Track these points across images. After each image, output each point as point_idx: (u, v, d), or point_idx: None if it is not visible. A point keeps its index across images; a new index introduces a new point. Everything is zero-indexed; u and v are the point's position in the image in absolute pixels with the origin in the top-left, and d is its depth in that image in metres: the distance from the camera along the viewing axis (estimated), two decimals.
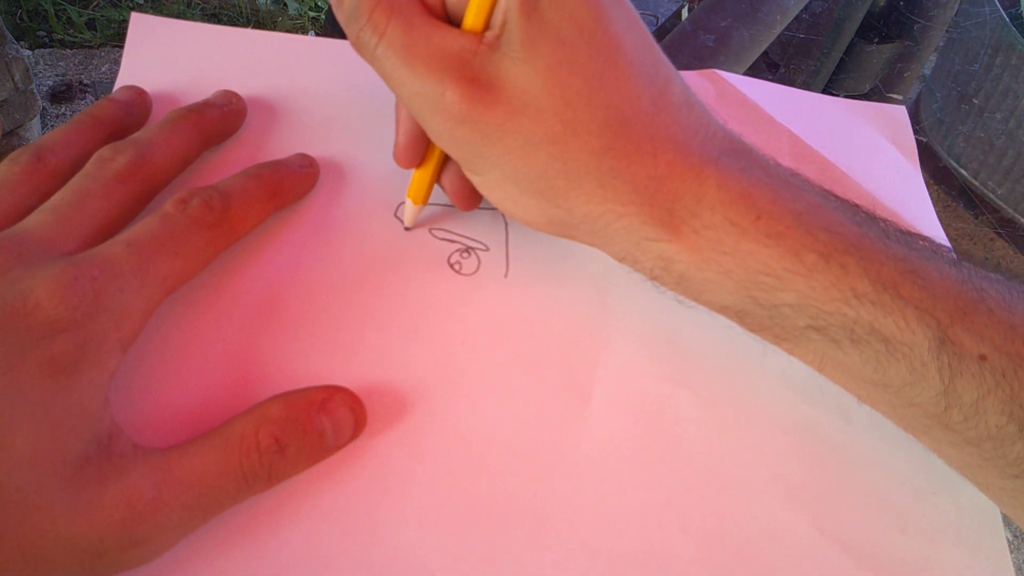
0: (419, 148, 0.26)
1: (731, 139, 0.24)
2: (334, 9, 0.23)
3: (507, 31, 0.22)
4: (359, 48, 0.23)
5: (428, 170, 0.27)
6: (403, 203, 0.29)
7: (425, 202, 0.28)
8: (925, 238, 0.24)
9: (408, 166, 0.27)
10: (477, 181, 0.25)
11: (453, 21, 0.23)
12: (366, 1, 0.22)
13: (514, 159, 0.23)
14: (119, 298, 0.21)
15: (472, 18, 0.22)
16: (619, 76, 0.22)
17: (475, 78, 0.22)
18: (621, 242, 0.24)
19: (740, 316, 0.24)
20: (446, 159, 0.27)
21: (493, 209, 0.30)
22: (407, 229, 0.29)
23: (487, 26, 0.22)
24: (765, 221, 0.22)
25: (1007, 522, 0.25)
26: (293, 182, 0.28)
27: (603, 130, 0.22)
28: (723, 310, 0.24)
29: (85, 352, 0.20)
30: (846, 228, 0.22)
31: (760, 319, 0.23)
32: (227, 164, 0.29)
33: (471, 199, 0.28)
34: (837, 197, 0.24)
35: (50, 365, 0.19)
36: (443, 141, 0.24)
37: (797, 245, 0.22)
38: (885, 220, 0.24)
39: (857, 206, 0.24)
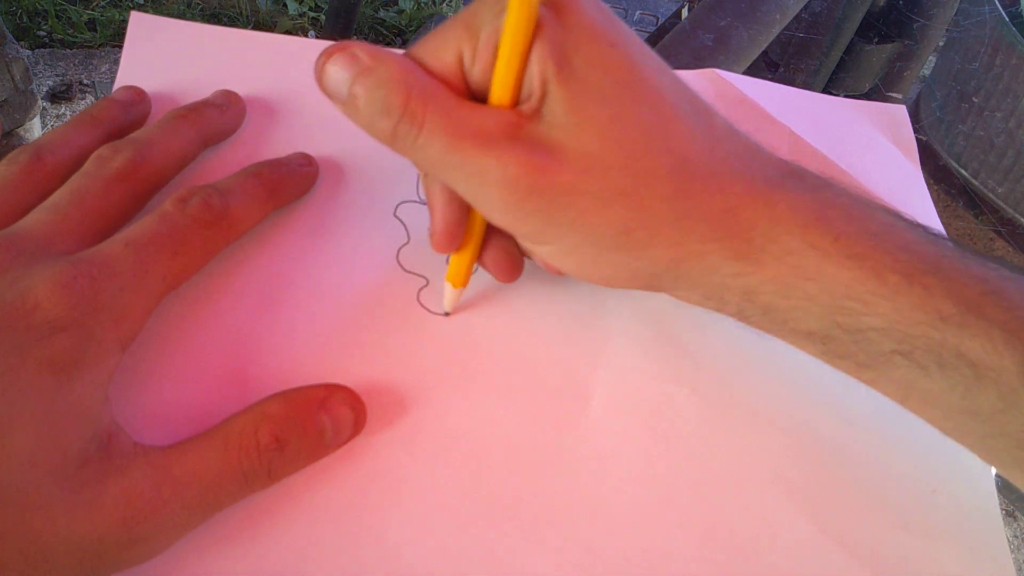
0: (458, 232, 0.25)
1: (783, 161, 0.24)
2: (345, 110, 0.22)
3: (548, 100, 0.21)
4: (395, 142, 0.22)
5: (468, 252, 0.26)
6: (403, 203, 0.29)
7: (466, 285, 0.27)
8: (996, 258, 0.23)
9: (448, 251, 0.25)
10: (546, 252, 0.24)
11: (477, 98, 0.22)
12: (396, 94, 0.21)
13: (589, 219, 0.22)
14: (118, 297, 0.21)
15: (500, 94, 0.21)
16: (668, 120, 0.22)
17: (532, 148, 0.21)
18: (705, 283, 0.23)
19: (824, 342, 0.23)
20: (486, 238, 0.26)
21: None
22: (447, 315, 0.27)
23: (516, 99, 0.22)
24: (844, 242, 0.22)
25: (1007, 521, 0.25)
26: (292, 181, 0.28)
27: (669, 175, 0.22)
28: (809, 337, 0.23)
29: (85, 351, 0.20)
30: (923, 247, 0.22)
31: (845, 345, 0.23)
32: (226, 164, 0.29)
33: (515, 272, 0.27)
34: (900, 214, 0.23)
35: (50, 364, 0.19)
36: (508, 217, 0.22)
37: (879, 266, 0.21)
38: (953, 239, 0.23)
39: (921, 224, 0.23)
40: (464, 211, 0.24)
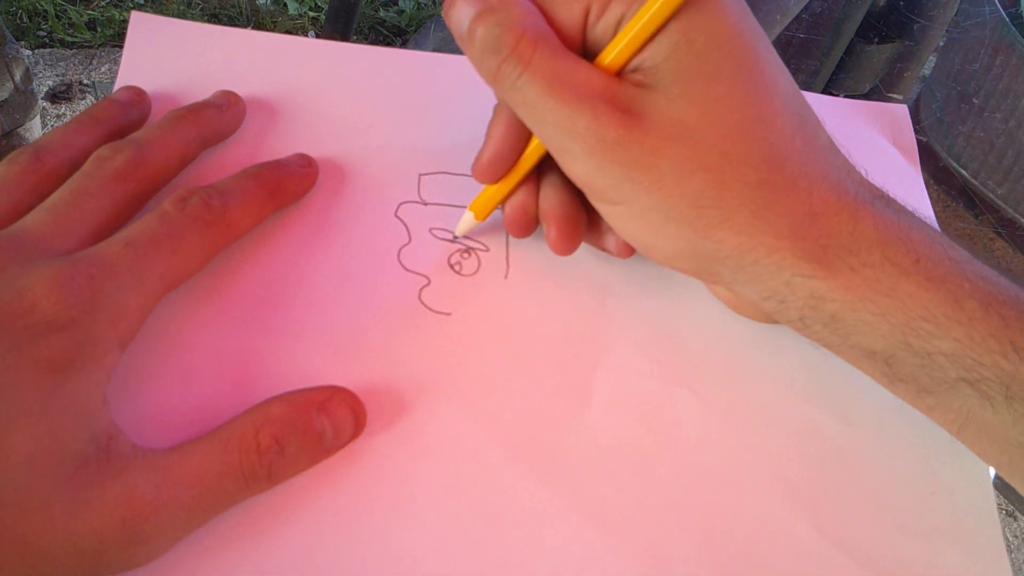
0: (502, 168, 0.26)
1: (876, 187, 0.24)
2: (461, 43, 0.23)
3: (657, 72, 0.22)
4: (497, 79, 0.23)
5: (502, 190, 0.26)
6: (404, 203, 0.29)
7: (484, 219, 0.28)
8: None
9: (485, 181, 0.26)
10: (617, 212, 0.24)
11: (586, 56, 0.23)
12: (510, 33, 0.22)
13: (666, 185, 0.22)
14: (116, 296, 0.21)
15: (614, 57, 0.22)
16: (774, 114, 0.23)
17: (627, 107, 0.22)
18: (769, 279, 0.23)
19: (888, 363, 0.23)
20: (536, 181, 0.26)
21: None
22: (455, 239, 0.29)
23: (625, 66, 0.23)
24: (924, 264, 0.22)
25: (1007, 522, 0.25)
26: (292, 182, 0.28)
27: (760, 164, 0.22)
28: (870, 356, 0.23)
29: (82, 351, 0.20)
30: (1002, 281, 0.22)
31: (910, 367, 0.22)
32: (226, 164, 0.29)
33: (527, 227, 0.27)
34: (975, 257, 0.23)
35: (47, 364, 0.19)
36: (590, 168, 0.23)
37: (957, 291, 0.21)
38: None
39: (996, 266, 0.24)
40: (516, 149, 0.25)
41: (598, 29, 0.23)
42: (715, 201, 0.22)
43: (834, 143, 0.24)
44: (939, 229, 0.32)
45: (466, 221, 0.28)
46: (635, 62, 0.23)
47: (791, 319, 0.24)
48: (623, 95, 0.22)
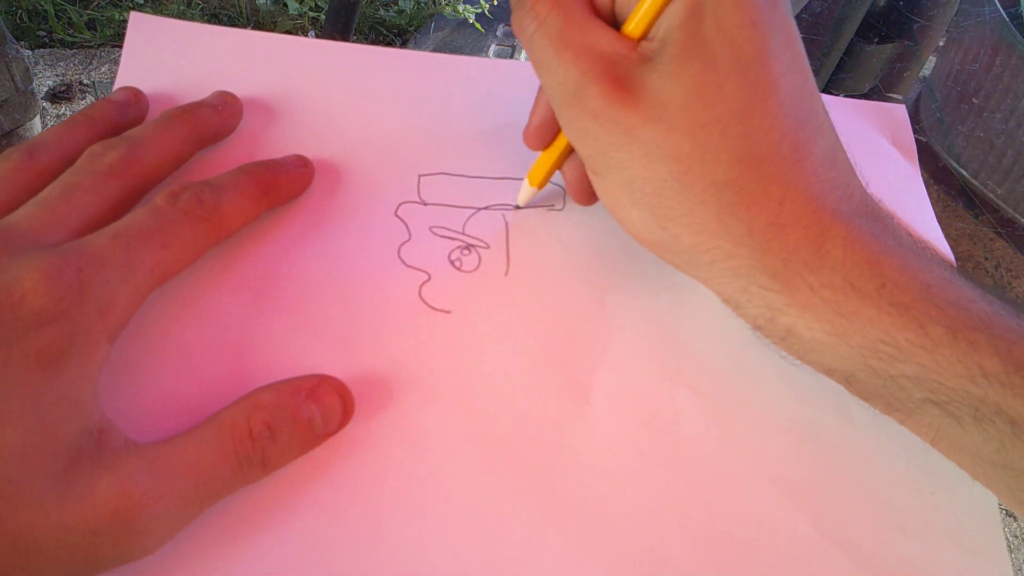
0: (548, 133, 0.27)
1: (869, 202, 0.23)
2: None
3: (663, 44, 0.22)
4: (518, 31, 0.24)
5: (552, 155, 0.27)
6: (404, 203, 0.29)
7: (542, 187, 0.29)
8: None
9: (534, 147, 0.27)
10: (595, 181, 0.25)
11: (616, 24, 0.24)
12: None
13: (635, 167, 0.22)
14: (105, 288, 0.21)
15: (634, 24, 0.23)
16: (765, 114, 0.22)
17: (620, 79, 0.22)
18: (726, 284, 0.23)
19: (849, 381, 0.23)
20: (571, 151, 0.27)
21: (494, 210, 0.30)
22: (518, 208, 0.30)
23: (645, 35, 0.23)
24: (890, 289, 0.21)
25: (1006, 522, 0.25)
26: (286, 180, 0.28)
27: (732, 163, 0.22)
28: (830, 373, 0.23)
29: (72, 343, 0.20)
30: (976, 305, 0.21)
31: (873, 387, 0.22)
32: (223, 164, 0.29)
33: (588, 195, 0.28)
34: (966, 274, 0.23)
35: (37, 357, 0.19)
36: (572, 132, 0.24)
37: (923, 317, 0.21)
38: (1014, 302, 0.23)
39: (985, 286, 0.23)
40: None
41: None
42: (677, 193, 0.22)
43: (838, 154, 0.23)
44: (938, 229, 0.32)
45: (525, 190, 0.29)
46: (652, 31, 0.23)
47: (748, 323, 0.23)
48: (623, 66, 0.22)
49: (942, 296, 0.21)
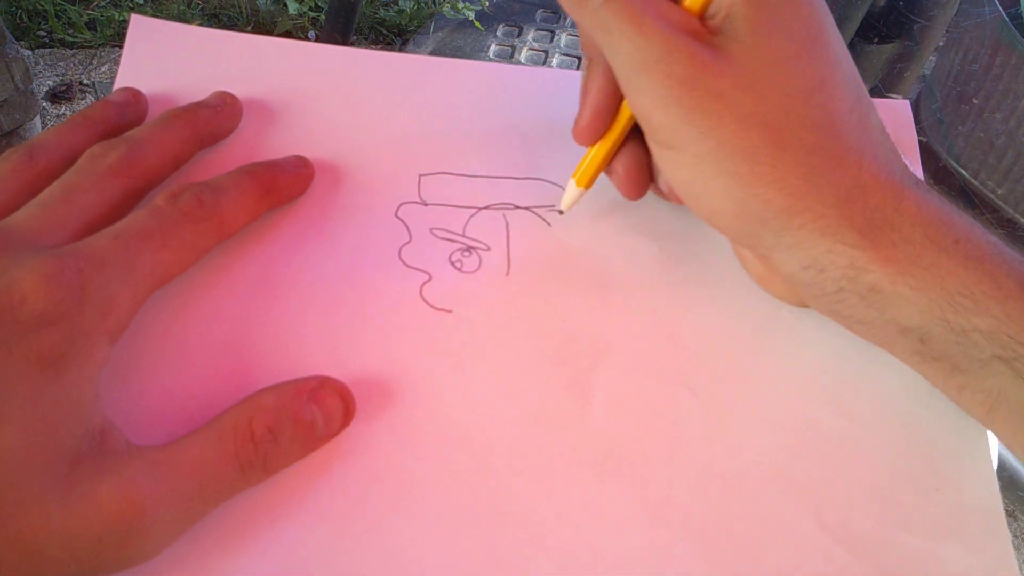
0: (601, 125, 0.26)
1: (917, 176, 0.24)
2: None
3: (732, 18, 0.22)
4: (579, 3, 0.23)
5: (602, 150, 0.26)
6: (404, 204, 0.29)
7: (588, 187, 0.27)
8: None
9: (586, 142, 0.26)
10: (669, 156, 0.24)
11: None
12: None
13: (725, 133, 0.22)
14: (105, 289, 0.21)
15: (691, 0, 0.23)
16: (835, 85, 0.23)
17: (703, 46, 0.22)
18: (812, 246, 0.23)
19: (922, 340, 0.23)
20: (622, 144, 0.26)
21: (495, 210, 0.30)
22: (561, 213, 0.29)
23: (704, 10, 0.23)
24: (964, 245, 0.22)
25: (1007, 521, 0.25)
26: (286, 181, 0.28)
27: (818, 128, 0.22)
28: (905, 333, 0.23)
29: (73, 345, 0.20)
30: None
31: (944, 344, 0.22)
32: (222, 165, 0.29)
33: (641, 184, 0.27)
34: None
35: (38, 359, 0.19)
36: (652, 101, 0.23)
37: (996, 271, 0.22)
38: None
39: None
40: (614, 104, 0.26)
41: None
42: (769, 158, 0.22)
43: (884, 128, 0.25)
44: None
45: (570, 193, 0.28)
46: (713, 7, 0.23)
47: (827, 291, 0.23)
48: (701, 36, 0.23)
49: (1009, 254, 0.22)
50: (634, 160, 0.26)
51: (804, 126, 0.22)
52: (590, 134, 0.26)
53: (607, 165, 0.27)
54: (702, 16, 0.23)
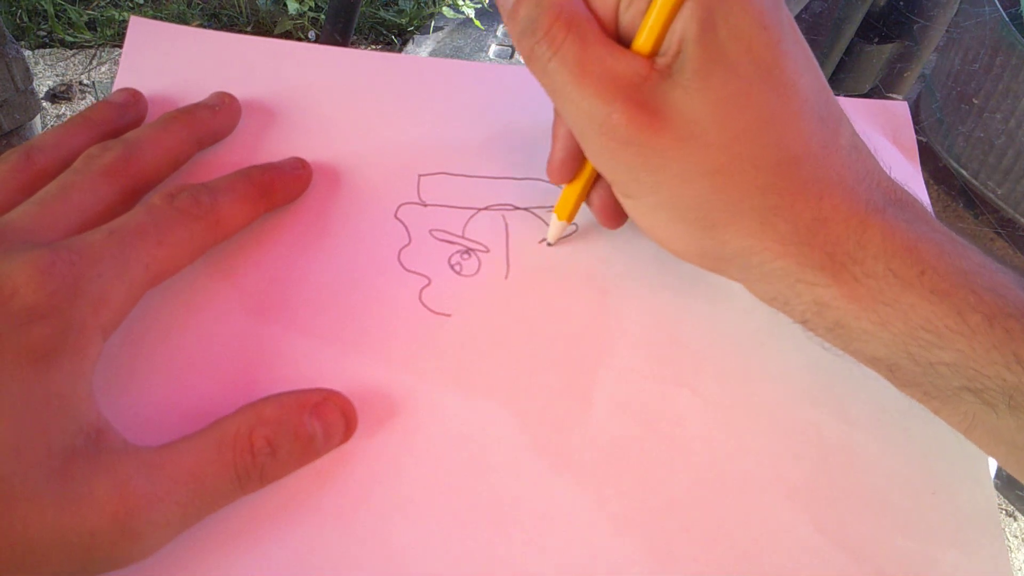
0: (573, 165, 0.26)
1: (897, 189, 0.24)
2: (506, 22, 0.23)
3: (681, 58, 0.22)
4: (530, 60, 0.23)
5: (578, 187, 0.27)
6: (404, 205, 0.29)
7: (571, 220, 0.28)
8: None
9: (560, 182, 0.27)
10: (628, 204, 0.25)
11: (623, 40, 0.23)
12: (545, 15, 0.22)
13: (672, 186, 0.22)
14: (98, 283, 0.21)
15: (643, 40, 0.22)
16: (791, 115, 0.22)
17: (644, 103, 0.22)
18: (775, 282, 0.23)
19: (891, 370, 0.23)
20: (597, 177, 0.27)
21: (494, 211, 0.30)
22: (550, 245, 0.29)
23: (657, 50, 0.22)
24: (930, 276, 0.21)
25: (1006, 522, 0.25)
26: (283, 183, 0.28)
27: (770, 167, 0.22)
28: (873, 362, 0.23)
29: (65, 339, 0.20)
30: (1012, 292, 0.22)
31: (912, 375, 0.22)
32: (221, 166, 0.29)
33: (618, 218, 0.27)
34: (999, 262, 0.23)
35: (29, 352, 0.19)
36: (602, 161, 0.23)
37: (961, 304, 0.21)
38: None
39: (1018, 269, 0.23)
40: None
41: (629, 14, 0.23)
42: (721, 204, 0.22)
43: (859, 143, 0.24)
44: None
45: (555, 226, 0.28)
46: (664, 46, 0.22)
47: (796, 319, 0.24)
48: (646, 88, 0.22)
49: (979, 283, 0.21)
50: (609, 194, 0.27)
51: (755, 167, 0.22)
52: (563, 174, 0.26)
53: (585, 198, 0.27)
54: (654, 55, 0.22)
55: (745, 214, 0.22)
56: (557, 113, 0.26)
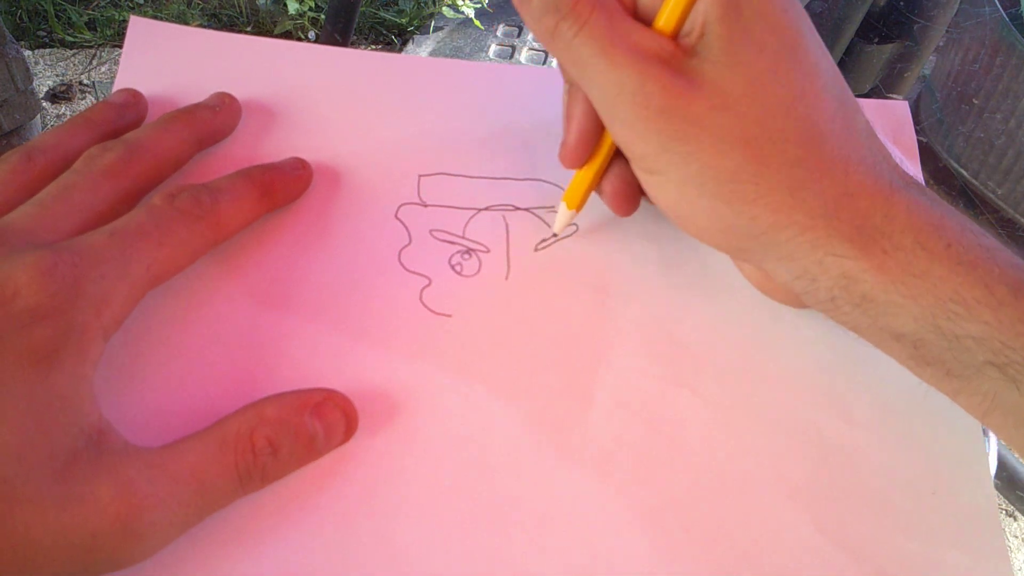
0: (588, 148, 0.26)
1: (909, 176, 0.24)
2: (520, 4, 0.23)
3: (707, 37, 0.22)
4: (553, 38, 0.23)
5: (590, 172, 0.26)
6: (404, 205, 0.29)
7: (580, 208, 0.28)
8: None
9: (573, 166, 0.27)
10: (652, 181, 0.24)
11: (643, 21, 0.23)
12: None
13: (705, 156, 0.22)
14: (100, 284, 0.21)
15: (665, 20, 0.23)
16: (816, 94, 0.23)
17: (676, 73, 0.22)
18: (802, 258, 0.23)
19: (916, 346, 0.23)
20: (609, 163, 0.26)
21: (495, 211, 0.30)
22: (555, 235, 0.29)
23: (678, 31, 0.23)
24: (955, 250, 0.22)
25: (1007, 522, 0.25)
26: (284, 183, 0.28)
27: (800, 142, 0.22)
28: (899, 338, 0.23)
29: (66, 340, 0.20)
30: None
31: (937, 350, 0.22)
32: (221, 167, 0.29)
33: (631, 203, 0.27)
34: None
35: (31, 354, 0.19)
36: (633, 134, 0.23)
37: (988, 276, 0.21)
38: None
39: None
40: (599, 127, 0.25)
41: None
42: (752, 177, 0.22)
43: (871, 128, 0.24)
44: None
45: (562, 215, 0.28)
46: (686, 26, 0.23)
47: (821, 299, 0.23)
48: (675, 60, 0.22)
49: (1002, 258, 0.22)
50: (622, 179, 0.27)
51: (785, 140, 0.22)
52: (576, 158, 0.26)
53: (596, 186, 0.27)
54: (676, 36, 0.23)
55: (776, 187, 0.22)
56: (571, 95, 0.25)
